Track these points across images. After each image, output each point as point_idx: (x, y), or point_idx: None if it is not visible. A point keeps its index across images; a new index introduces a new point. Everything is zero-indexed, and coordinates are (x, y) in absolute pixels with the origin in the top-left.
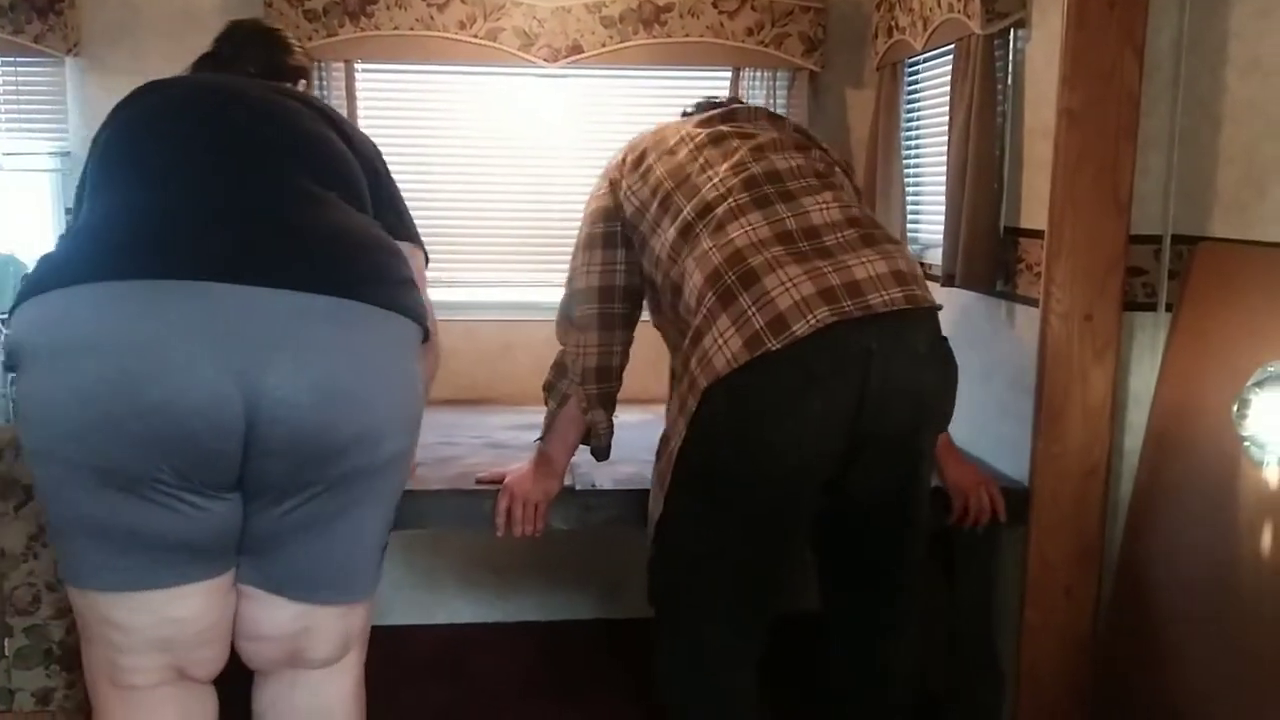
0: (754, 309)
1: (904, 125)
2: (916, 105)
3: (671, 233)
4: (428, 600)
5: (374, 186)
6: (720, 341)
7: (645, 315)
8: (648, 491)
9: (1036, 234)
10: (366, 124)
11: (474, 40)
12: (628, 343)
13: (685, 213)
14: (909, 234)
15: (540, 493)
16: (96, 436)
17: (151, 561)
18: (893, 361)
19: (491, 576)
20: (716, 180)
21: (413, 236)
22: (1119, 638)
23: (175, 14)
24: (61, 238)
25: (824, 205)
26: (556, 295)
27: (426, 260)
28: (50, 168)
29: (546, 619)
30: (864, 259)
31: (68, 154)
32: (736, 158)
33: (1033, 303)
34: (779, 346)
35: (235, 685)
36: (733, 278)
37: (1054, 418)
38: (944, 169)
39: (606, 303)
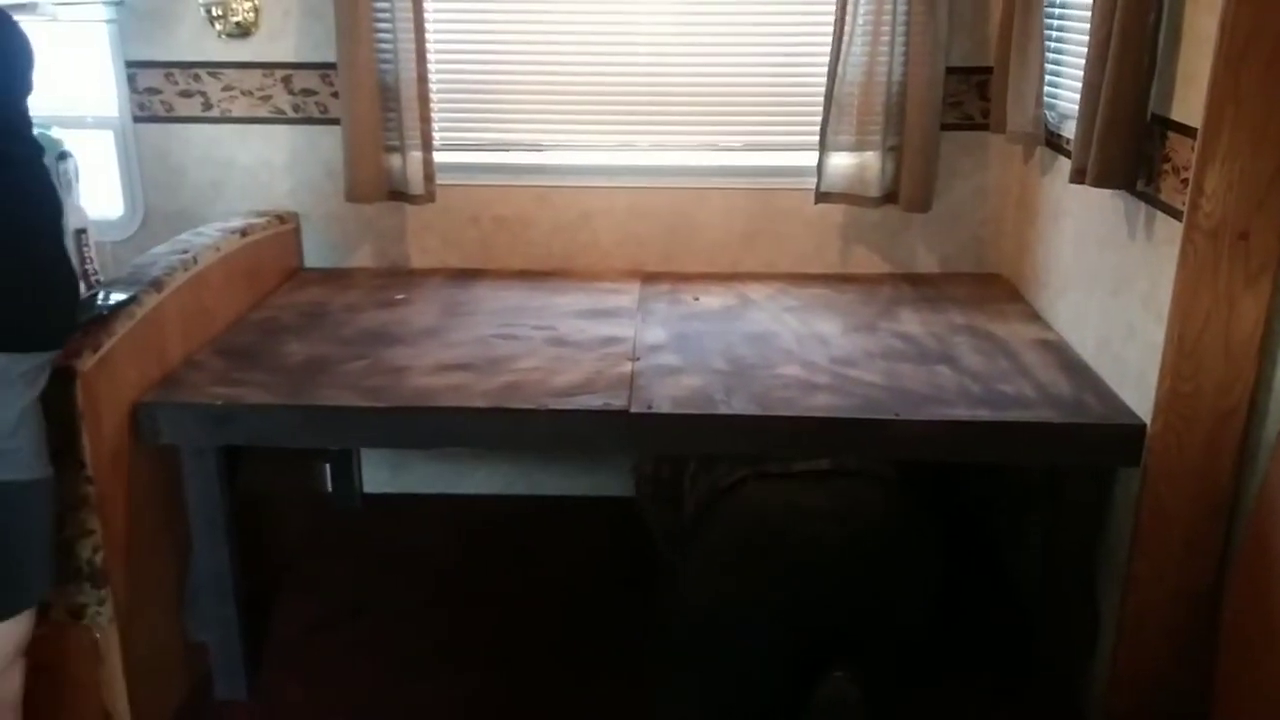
0: None
1: None
2: None
3: None
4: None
5: None
6: None
7: (729, 181)
8: (712, 416)
9: (1188, 130)
10: None
11: None
12: None
13: None
14: (1045, 99)
15: None
16: None
17: None
18: None
19: None
20: None
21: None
22: (1246, 604)
23: None
24: None
25: None
26: (642, 159)
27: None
28: (106, 18)
29: None
30: None
31: (121, 2)
32: None
33: (1175, 214)
34: None
35: None
36: None
37: (1188, 353)
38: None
39: None
